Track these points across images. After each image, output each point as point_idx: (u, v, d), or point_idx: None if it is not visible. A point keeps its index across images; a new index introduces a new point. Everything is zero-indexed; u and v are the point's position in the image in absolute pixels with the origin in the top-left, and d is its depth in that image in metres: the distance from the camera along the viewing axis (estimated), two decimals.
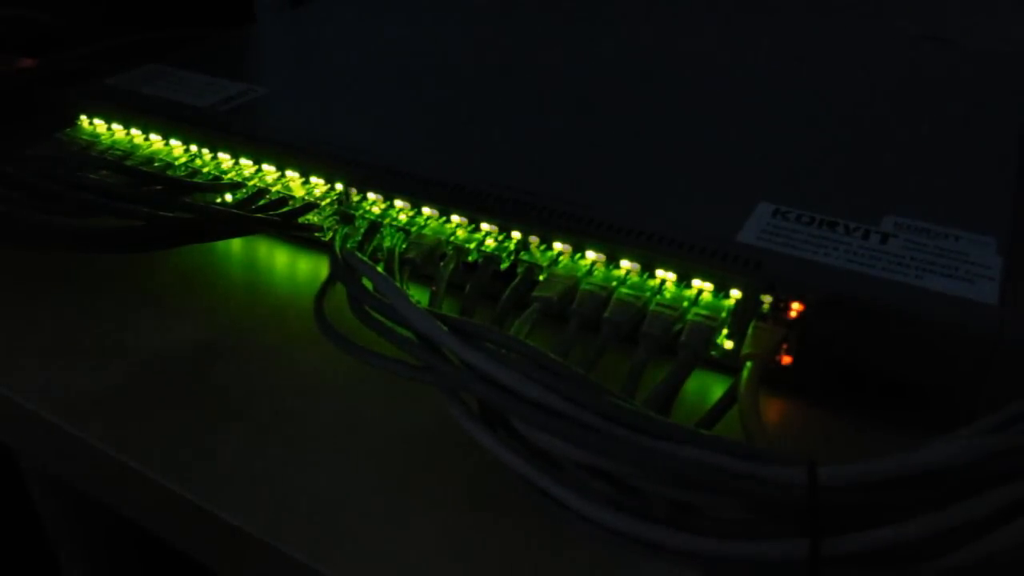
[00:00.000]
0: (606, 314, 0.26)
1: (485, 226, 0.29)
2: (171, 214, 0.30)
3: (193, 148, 0.35)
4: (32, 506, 0.55)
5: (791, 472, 0.18)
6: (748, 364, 0.24)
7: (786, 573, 0.18)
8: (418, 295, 0.24)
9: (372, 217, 0.31)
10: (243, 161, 0.34)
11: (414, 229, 0.30)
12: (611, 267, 0.28)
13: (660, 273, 0.27)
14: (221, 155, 0.34)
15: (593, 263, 0.28)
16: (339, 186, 0.32)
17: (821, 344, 0.26)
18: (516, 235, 0.29)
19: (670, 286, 0.27)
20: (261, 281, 0.33)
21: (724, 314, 0.26)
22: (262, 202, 0.33)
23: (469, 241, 0.29)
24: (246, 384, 0.28)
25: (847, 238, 0.28)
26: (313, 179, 0.32)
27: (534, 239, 0.29)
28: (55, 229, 0.29)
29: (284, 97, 0.38)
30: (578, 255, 0.28)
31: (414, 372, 0.24)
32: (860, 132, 0.35)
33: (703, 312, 0.26)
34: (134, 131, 0.36)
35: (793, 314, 0.26)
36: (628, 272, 0.28)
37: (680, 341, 0.25)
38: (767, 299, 0.26)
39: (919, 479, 0.17)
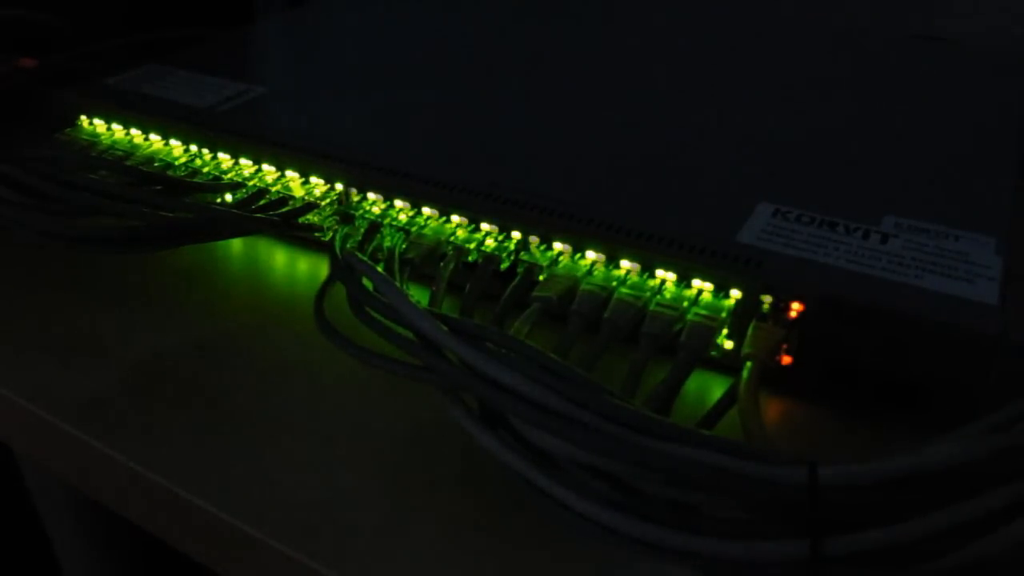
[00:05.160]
0: (606, 314, 0.26)
1: (485, 226, 0.29)
2: (171, 214, 0.30)
3: (193, 148, 0.35)
4: (32, 506, 0.55)
5: (791, 472, 0.18)
6: (748, 364, 0.24)
7: (786, 573, 0.18)
8: (418, 295, 0.24)
9: (372, 217, 0.31)
10: (243, 161, 0.34)
11: (414, 229, 0.30)
12: (611, 267, 0.28)
13: (660, 273, 0.27)
14: (221, 155, 0.34)
15: (593, 263, 0.28)
16: (339, 186, 0.32)
17: (821, 344, 0.26)
18: (516, 235, 0.29)
19: (670, 286, 0.27)
20: (261, 281, 0.33)
21: (724, 314, 0.26)
22: (262, 202, 0.33)
23: (469, 241, 0.29)
24: (246, 384, 0.28)
25: (847, 238, 0.28)
26: (313, 179, 0.32)
27: (534, 239, 0.29)
28: (55, 229, 0.29)
29: (284, 97, 0.38)
30: (578, 255, 0.28)
31: (414, 372, 0.24)
32: (860, 132, 0.35)
33: (703, 312, 0.26)
34: (134, 131, 0.36)
35: (793, 314, 0.26)
36: (628, 272, 0.28)
37: (680, 341, 0.25)
38: (767, 299, 0.26)
39: (919, 479, 0.17)
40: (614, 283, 0.27)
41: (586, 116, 0.36)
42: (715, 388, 0.27)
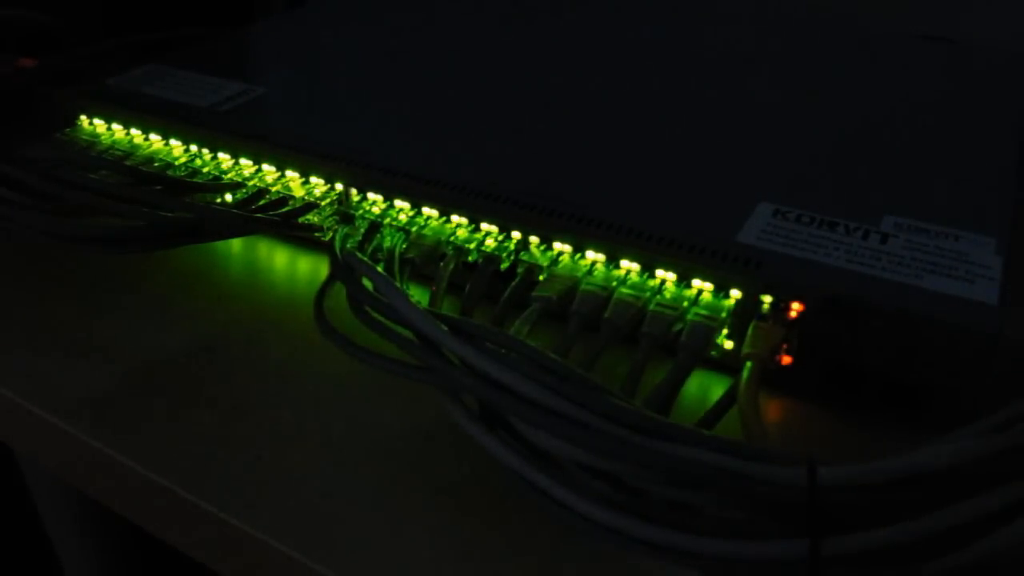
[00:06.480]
0: (606, 314, 0.26)
1: (485, 226, 0.29)
2: (171, 214, 0.30)
3: (193, 148, 0.35)
4: (32, 506, 0.55)
5: (791, 472, 0.18)
6: (748, 364, 0.24)
7: (786, 573, 0.18)
8: (418, 295, 0.24)
9: (372, 217, 0.31)
10: (243, 161, 0.34)
11: (414, 229, 0.30)
12: (611, 267, 0.28)
13: (660, 273, 0.27)
14: (221, 155, 0.34)
15: (593, 263, 0.28)
16: (339, 186, 0.32)
17: (821, 344, 0.26)
18: (516, 235, 0.29)
19: (670, 286, 0.27)
20: (261, 281, 0.33)
21: (724, 314, 0.26)
22: (262, 202, 0.32)
23: (469, 241, 0.29)
24: (245, 384, 0.28)
25: (847, 238, 0.28)
26: (313, 179, 0.32)
27: (534, 239, 0.29)
28: (55, 229, 0.29)
29: (284, 97, 0.38)
30: (578, 255, 0.28)
31: (414, 372, 0.24)
32: (860, 132, 0.35)
33: (703, 312, 0.26)
34: (134, 131, 0.36)
35: (793, 314, 0.26)
36: (628, 272, 0.28)
37: (680, 341, 0.25)
38: (767, 299, 0.26)
39: (919, 479, 0.17)
40: (614, 283, 0.27)
41: (586, 116, 0.36)
42: (715, 388, 0.27)
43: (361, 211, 0.31)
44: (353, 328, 0.25)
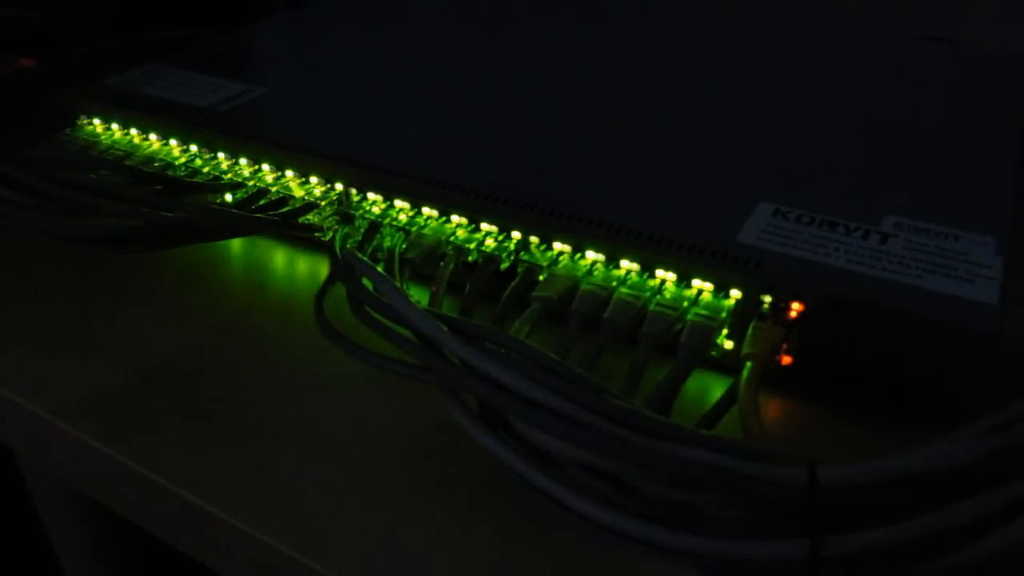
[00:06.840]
0: (606, 314, 0.26)
1: (485, 226, 0.29)
2: (171, 214, 0.30)
3: (193, 148, 0.35)
4: (32, 506, 0.55)
5: (791, 472, 0.18)
6: (748, 364, 0.24)
7: (786, 573, 0.18)
8: (418, 295, 0.24)
9: (372, 217, 0.31)
10: (243, 161, 0.34)
11: (414, 229, 0.30)
12: (611, 267, 0.28)
13: (660, 273, 0.27)
14: (221, 155, 0.34)
15: (593, 263, 0.28)
16: (339, 186, 0.32)
17: (821, 344, 0.26)
18: (516, 235, 0.29)
19: (670, 286, 0.27)
20: (261, 281, 0.33)
21: (724, 314, 0.26)
22: (262, 202, 0.33)
23: (469, 241, 0.29)
24: (246, 384, 0.28)
25: (847, 238, 0.28)
26: (313, 179, 0.32)
27: (534, 239, 0.29)
28: (55, 229, 0.29)
29: (284, 97, 0.38)
30: (578, 255, 0.28)
31: (414, 372, 0.24)
32: (860, 132, 0.35)
33: (703, 312, 0.26)
34: (134, 131, 0.36)
35: (793, 314, 0.26)
36: (628, 272, 0.28)
37: (680, 341, 0.25)
38: (767, 299, 0.26)
39: (919, 479, 0.17)
40: (614, 283, 0.27)
41: (586, 116, 0.36)
42: (715, 388, 0.27)
43: (361, 211, 0.31)
44: (353, 328, 0.25)
